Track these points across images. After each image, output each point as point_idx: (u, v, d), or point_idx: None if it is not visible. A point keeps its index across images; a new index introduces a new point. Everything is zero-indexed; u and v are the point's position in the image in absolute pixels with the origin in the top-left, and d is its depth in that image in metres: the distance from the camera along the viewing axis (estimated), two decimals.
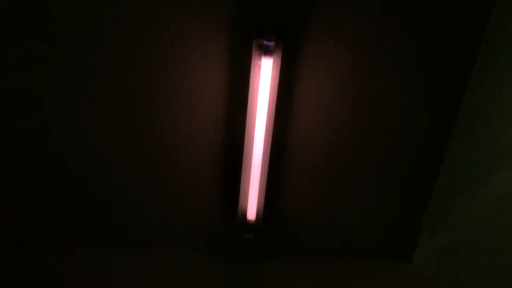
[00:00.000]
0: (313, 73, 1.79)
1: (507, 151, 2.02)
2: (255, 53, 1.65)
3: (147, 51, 1.75)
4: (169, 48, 1.74)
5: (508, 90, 1.93)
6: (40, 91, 1.83)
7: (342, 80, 1.81)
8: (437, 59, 1.77)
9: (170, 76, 1.79)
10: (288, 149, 1.96)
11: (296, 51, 1.74)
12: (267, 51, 1.63)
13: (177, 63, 1.77)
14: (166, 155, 1.97)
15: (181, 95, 1.83)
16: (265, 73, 1.68)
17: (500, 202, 2.10)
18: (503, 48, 1.83)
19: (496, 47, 1.80)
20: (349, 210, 2.13)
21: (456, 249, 2.24)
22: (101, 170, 2.01)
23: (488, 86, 1.91)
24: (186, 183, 2.04)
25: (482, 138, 2.04)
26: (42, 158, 1.98)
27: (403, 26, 1.71)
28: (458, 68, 1.79)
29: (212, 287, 2.10)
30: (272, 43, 1.62)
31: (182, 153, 1.96)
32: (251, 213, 2.02)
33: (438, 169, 2.02)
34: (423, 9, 1.68)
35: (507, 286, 2.11)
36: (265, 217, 2.05)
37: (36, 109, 1.87)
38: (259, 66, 1.67)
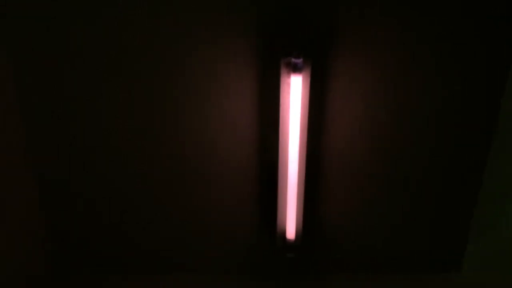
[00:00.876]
0: (342, 87, 1.77)
1: None
2: (283, 71, 1.64)
3: (177, 74, 1.76)
4: (198, 70, 1.75)
5: None
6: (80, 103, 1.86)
7: (373, 92, 1.78)
8: (473, 63, 1.72)
9: (201, 98, 1.80)
10: (323, 164, 1.93)
11: (324, 66, 1.72)
12: (295, 69, 1.62)
13: (207, 85, 1.78)
14: (201, 176, 1.97)
15: (213, 117, 1.84)
16: (295, 90, 1.67)
17: None
18: None
19: None
20: (391, 223, 2.08)
21: (506, 255, 2.15)
22: (136, 191, 2.02)
23: None
24: (223, 203, 2.03)
25: None
26: (79, 186, 2.01)
27: (434, 36, 1.68)
28: (497, 70, 1.73)
29: None
30: (300, 61, 1.61)
31: (217, 173, 1.96)
32: (291, 232, 1.99)
33: (482, 175, 1.95)
34: (457, 12, 1.64)
35: None
36: (305, 236, 2.02)
37: (78, 139, 1.90)
38: (289, 84, 1.66)
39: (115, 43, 1.72)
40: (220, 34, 1.69)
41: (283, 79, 1.66)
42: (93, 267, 2.19)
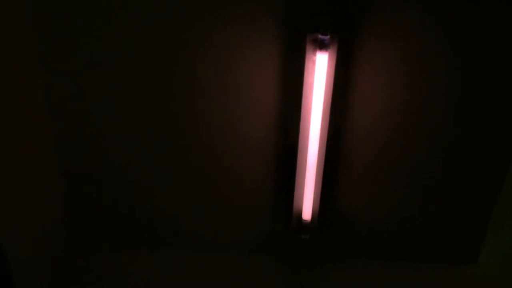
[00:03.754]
0: (369, 68, 1.72)
1: None
2: (309, 48, 1.60)
3: (200, 48, 1.73)
4: (222, 43, 1.71)
5: None
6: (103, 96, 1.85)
7: (400, 75, 1.73)
8: (503, 57, 1.67)
9: (222, 72, 1.77)
10: (344, 147, 1.89)
11: (352, 45, 1.67)
12: (322, 46, 1.58)
13: (230, 59, 1.74)
14: (220, 154, 1.94)
15: (233, 92, 1.80)
16: (320, 68, 1.63)
17: None
18: None
19: None
20: (409, 211, 2.04)
21: None
22: (154, 171, 2.01)
23: None
24: (240, 183, 2.01)
25: None
26: (101, 162, 2.00)
27: (467, 20, 1.62)
28: None
29: (267, 287, 2.06)
30: (327, 37, 1.56)
31: (235, 152, 1.93)
32: (307, 213, 1.97)
33: (507, 165, 1.90)
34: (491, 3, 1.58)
35: None
36: (321, 218, 1.99)
37: (97, 118, 1.90)
38: (314, 61, 1.62)
39: (138, 20, 1.69)
40: (246, 7, 1.64)
41: (308, 56, 1.62)
42: (110, 245, 2.19)
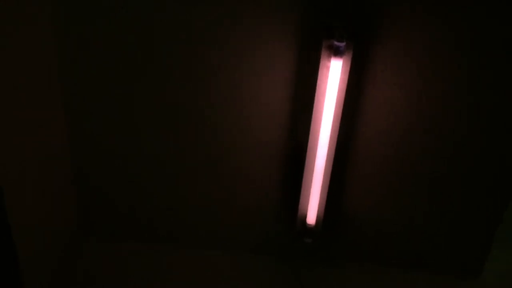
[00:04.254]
0: (383, 76, 1.72)
1: None
2: (324, 54, 1.60)
3: (215, 49, 1.74)
4: (236, 45, 1.72)
5: None
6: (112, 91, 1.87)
7: (413, 84, 1.73)
8: None
9: (236, 74, 1.78)
10: (353, 153, 1.89)
11: (366, 53, 1.67)
12: (337, 52, 1.58)
13: (244, 61, 1.75)
14: (228, 154, 1.95)
15: (246, 93, 1.81)
16: (333, 74, 1.63)
17: None
18: None
19: None
20: (415, 219, 2.04)
21: None
22: (162, 167, 2.02)
23: None
24: (247, 183, 2.01)
25: None
26: (109, 157, 2.02)
27: (480, 30, 1.62)
28: None
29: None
30: (342, 44, 1.56)
31: (244, 152, 1.94)
32: (311, 217, 1.97)
33: None
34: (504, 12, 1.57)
35: None
36: (326, 222, 1.99)
37: (104, 110, 1.91)
38: (328, 67, 1.62)
39: (154, 19, 1.70)
40: (263, 10, 1.65)
41: (323, 62, 1.62)
42: (113, 241, 2.21)
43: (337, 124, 1.74)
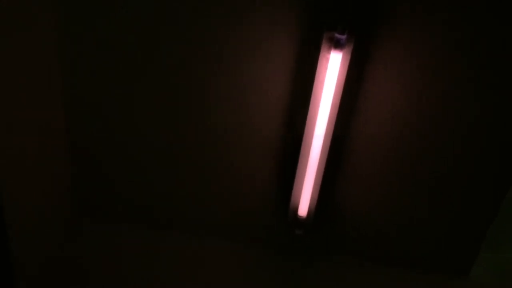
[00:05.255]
0: (383, 72, 1.70)
1: None
2: (324, 46, 1.58)
3: (216, 39, 1.71)
4: (237, 40, 1.70)
5: None
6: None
7: (414, 83, 1.71)
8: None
9: (235, 64, 1.76)
10: (349, 147, 1.88)
11: (367, 48, 1.65)
12: (337, 45, 1.55)
13: (244, 51, 1.73)
14: (226, 146, 1.94)
15: (244, 83, 1.79)
16: (332, 67, 1.61)
17: None
18: None
19: None
20: (407, 217, 2.03)
21: None
22: (161, 156, 2.02)
23: None
24: (243, 174, 2.01)
25: None
26: (109, 143, 2.02)
27: (484, 32, 1.60)
28: None
29: (257, 278, 2.08)
30: (343, 37, 1.54)
31: (241, 143, 1.93)
32: (303, 209, 1.96)
33: (508, 185, 1.88)
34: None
35: None
36: (318, 215, 1.99)
37: (106, 104, 1.91)
38: (327, 60, 1.60)
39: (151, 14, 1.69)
40: (265, 3, 1.62)
41: (323, 53, 1.59)
42: (117, 217, 2.21)
43: (334, 118, 1.72)
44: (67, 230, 2.14)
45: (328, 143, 1.78)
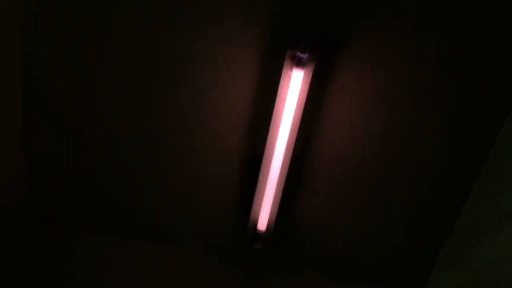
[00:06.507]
0: (343, 91, 1.75)
1: None
2: (287, 64, 1.62)
3: (180, 51, 1.74)
4: (202, 48, 1.72)
5: None
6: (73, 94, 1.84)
7: (374, 102, 1.76)
8: (476, 89, 1.71)
9: (200, 77, 1.78)
10: (309, 164, 1.92)
11: (329, 66, 1.70)
12: (299, 63, 1.60)
13: (209, 65, 1.75)
14: (188, 155, 1.95)
15: (208, 97, 1.81)
16: (294, 84, 1.65)
17: None
18: None
19: None
20: (363, 236, 2.07)
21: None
22: (121, 164, 2.01)
23: None
24: (204, 185, 2.02)
25: (510, 178, 1.96)
26: (67, 151, 2.00)
27: (442, 50, 1.66)
28: (492, 105, 1.72)
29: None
30: (305, 56, 1.58)
31: (203, 155, 1.94)
32: (262, 224, 1.98)
33: (461, 206, 1.94)
34: (469, 24, 1.62)
35: None
36: (277, 229, 2.01)
37: (69, 111, 1.89)
38: (290, 77, 1.64)
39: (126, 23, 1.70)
40: (231, 17, 1.66)
41: (285, 71, 1.64)
42: (74, 224, 2.19)
43: (294, 134, 1.75)
44: (19, 235, 2.10)
45: (289, 159, 1.81)
